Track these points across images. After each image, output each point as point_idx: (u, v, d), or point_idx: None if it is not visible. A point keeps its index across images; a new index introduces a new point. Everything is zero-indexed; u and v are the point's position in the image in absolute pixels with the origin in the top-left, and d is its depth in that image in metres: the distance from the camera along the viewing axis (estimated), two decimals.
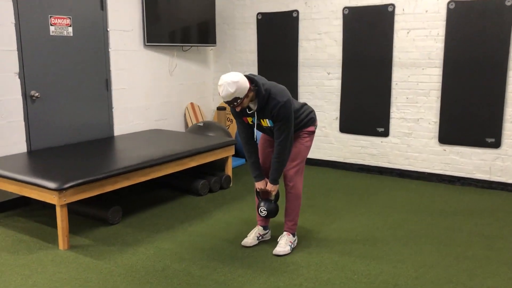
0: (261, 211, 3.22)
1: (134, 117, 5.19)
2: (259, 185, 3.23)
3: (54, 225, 3.77)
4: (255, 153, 3.20)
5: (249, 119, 3.11)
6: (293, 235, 3.36)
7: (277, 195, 3.28)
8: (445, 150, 4.87)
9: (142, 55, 5.21)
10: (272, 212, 3.24)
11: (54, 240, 3.46)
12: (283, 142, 3.04)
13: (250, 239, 3.41)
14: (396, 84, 5.03)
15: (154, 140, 4.64)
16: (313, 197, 4.51)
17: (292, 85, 5.66)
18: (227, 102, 2.88)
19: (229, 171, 4.84)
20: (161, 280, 2.86)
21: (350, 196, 4.54)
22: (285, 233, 3.35)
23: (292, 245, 3.31)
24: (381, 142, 5.21)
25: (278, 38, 5.67)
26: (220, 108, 5.96)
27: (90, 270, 3.00)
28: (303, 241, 3.46)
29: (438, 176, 4.95)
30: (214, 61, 6.26)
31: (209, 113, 6.30)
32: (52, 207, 4.15)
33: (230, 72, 2.90)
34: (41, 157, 3.94)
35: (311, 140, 3.30)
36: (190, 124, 5.81)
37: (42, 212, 4.07)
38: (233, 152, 4.84)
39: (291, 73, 5.65)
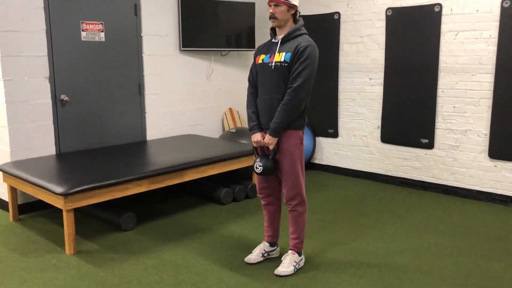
0: (256, 167, 2.96)
1: (168, 122, 5.18)
2: (255, 137, 2.99)
3: (76, 229, 3.82)
4: (254, 102, 3.04)
5: (262, 57, 2.98)
6: (299, 254, 3.12)
7: (275, 150, 2.95)
8: (496, 166, 4.34)
9: (177, 60, 5.19)
10: (269, 169, 2.93)
11: (64, 244, 3.50)
12: (298, 89, 2.82)
13: (254, 255, 3.22)
14: (443, 91, 4.58)
15: (182, 146, 4.58)
16: (340, 212, 4.21)
17: (333, 91, 5.36)
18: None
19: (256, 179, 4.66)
20: None
21: (382, 213, 4.19)
22: (290, 251, 3.11)
23: (297, 266, 3.07)
24: (425, 154, 4.77)
25: (319, 41, 5.40)
26: None
27: (86, 278, 2.98)
28: (311, 261, 3.20)
29: (488, 194, 4.42)
30: None
31: None
32: (77, 210, 4.24)
33: None
34: (65, 160, 4.02)
35: (300, 153, 2.97)
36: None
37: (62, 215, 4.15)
38: None
39: (331, 78, 5.36)
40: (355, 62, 5.16)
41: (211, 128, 5.68)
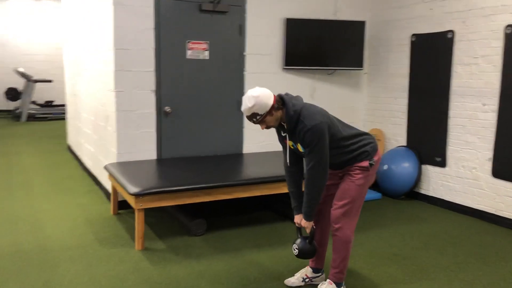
0: (294, 249, 2.94)
1: (265, 138, 5.33)
2: (297, 219, 2.96)
3: (154, 227, 4.21)
4: (294, 182, 2.93)
5: (290, 143, 2.87)
6: (338, 286, 2.95)
7: (312, 233, 2.91)
8: None
9: (279, 78, 5.32)
10: (305, 253, 2.90)
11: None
12: (311, 171, 2.71)
13: (294, 278, 3.15)
14: None
15: (270, 161, 4.68)
16: (419, 248, 3.83)
17: (442, 116, 4.90)
18: (247, 118, 2.73)
19: None
20: None
21: (470, 255, 3.68)
22: (327, 281, 2.97)
23: None
24: None
25: (430, 62, 5.00)
26: None
27: (137, 272, 3.27)
28: None
29: None
30: (367, 85, 5.90)
31: None
32: (163, 210, 4.64)
33: (256, 87, 2.74)
34: (159, 165, 4.46)
35: (365, 178, 2.84)
36: None
37: (153, 213, 4.59)
38: None
39: (441, 102, 4.91)
40: (467, 86, 4.65)
41: None
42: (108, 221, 4.35)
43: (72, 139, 7.52)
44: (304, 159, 2.82)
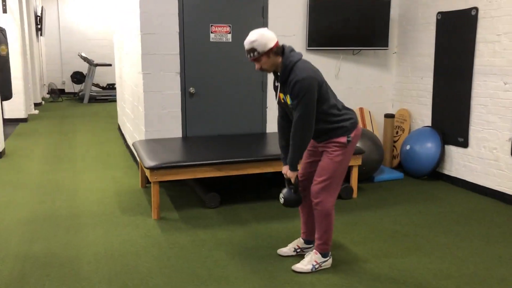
0: (280, 198, 3.09)
1: None
2: (284, 169, 3.10)
3: (174, 199, 4.55)
4: (284, 136, 3.10)
5: (281, 96, 2.98)
6: (323, 256, 3.12)
7: (296, 183, 3.03)
8: None
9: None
10: (290, 201, 3.03)
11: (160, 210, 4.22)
12: (297, 123, 2.84)
13: (287, 248, 3.35)
14: None
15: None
16: (422, 226, 3.88)
17: (465, 96, 4.80)
18: (246, 52, 2.86)
19: (353, 182, 4.61)
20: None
21: (471, 235, 3.69)
22: (313, 251, 3.15)
23: (317, 266, 3.09)
24: None
25: (455, 40, 4.89)
26: (387, 116, 5.58)
27: (147, 238, 3.61)
28: (343, 266, 3.16)
29: None
30: (397, 64, 5.85)
31: (382, 120, 5.96)
32: (185, 184, 4.97)
33: (266, 28, 2.88)
34: (183, 142, 4.77)
35: (343, 155, 2.95)
36: None
37: (176, 187, 4.93)
38: (358, 163, 4.58)
39: (464, 81, 4.81)
40: (490, 64, 4.53)
41: None
42: (135, 193, 4.75)
43: (120, 119, 8.07)
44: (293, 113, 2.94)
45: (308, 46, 5.36)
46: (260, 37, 2.78)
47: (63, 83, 14.66)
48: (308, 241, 3.33)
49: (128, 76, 6.35)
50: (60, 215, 4.10)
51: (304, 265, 3.10)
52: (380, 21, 5.46)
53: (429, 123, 5.36)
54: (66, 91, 14.62)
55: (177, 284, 2.92)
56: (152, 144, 4.66)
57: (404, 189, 4.91)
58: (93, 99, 12.91)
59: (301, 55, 2.90)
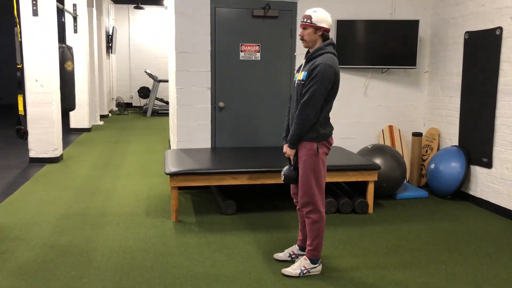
0: (281, 175, 3.31)
1: None
2: (284, 148, 3.32)
3: (196, 204, 4.87)
4: (289, 117, 3.34)
5: (300, 75, 3.21)
6: (313, 262, 3.28)
7: (295, 160, 3.23)
8: None
9: None
10: (289, 178, 3.25)
11: (179, 214, 4.56)
12: (303, 104, 3.07)
13: (282, 254, 3.54)
14: None
15: None
16: (428, 244, 3.89)
17: (489, 116, 4.74)
18: (303, 16, 3.16)
19: (369, 197, 4.68)
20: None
21: (476, 255, 3.66)
22: (303, 256, 3.31)
23: (305, 271, 3.25)
24: None
25: (480, 60, 4.86)
26: (415, 134, 5.59)
27: (159, 238, 3.95)
28: (332, 274, 3.29)
29: None
30: (428, 83, 5.85)
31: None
32: (209, 191, 5.27)
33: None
34: (208, 153, 5.11)
35: (312, 160, 3.14)
36: None
37: (201, 194, 5.25)
38: (374, 178, 4.65)
39: (489, 101, 4.75)
40: None
41: (364, 143, 5.82)
42: (164, 198, 5.14)
43: (170, 131, 8.62)
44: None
45: None
46: (321, 14, 3.13)
47: (131, 97, 15.72)
48: (303, 247, 3.50)
49: (171, 91, 6.84)
50: (90, 213, 4.56)
51: (293, 269, 3.27)
52: (409, 40, 5.52)
53: (457, 143, 5.31)
54: (133, 104, 15.66)
55: (171, 278, 3.21)
56: (180, 153, 5.04)
57: (425, 208, 4.89)
58: (155, 113, 13.74)
59: (335, 54, 3.17)
